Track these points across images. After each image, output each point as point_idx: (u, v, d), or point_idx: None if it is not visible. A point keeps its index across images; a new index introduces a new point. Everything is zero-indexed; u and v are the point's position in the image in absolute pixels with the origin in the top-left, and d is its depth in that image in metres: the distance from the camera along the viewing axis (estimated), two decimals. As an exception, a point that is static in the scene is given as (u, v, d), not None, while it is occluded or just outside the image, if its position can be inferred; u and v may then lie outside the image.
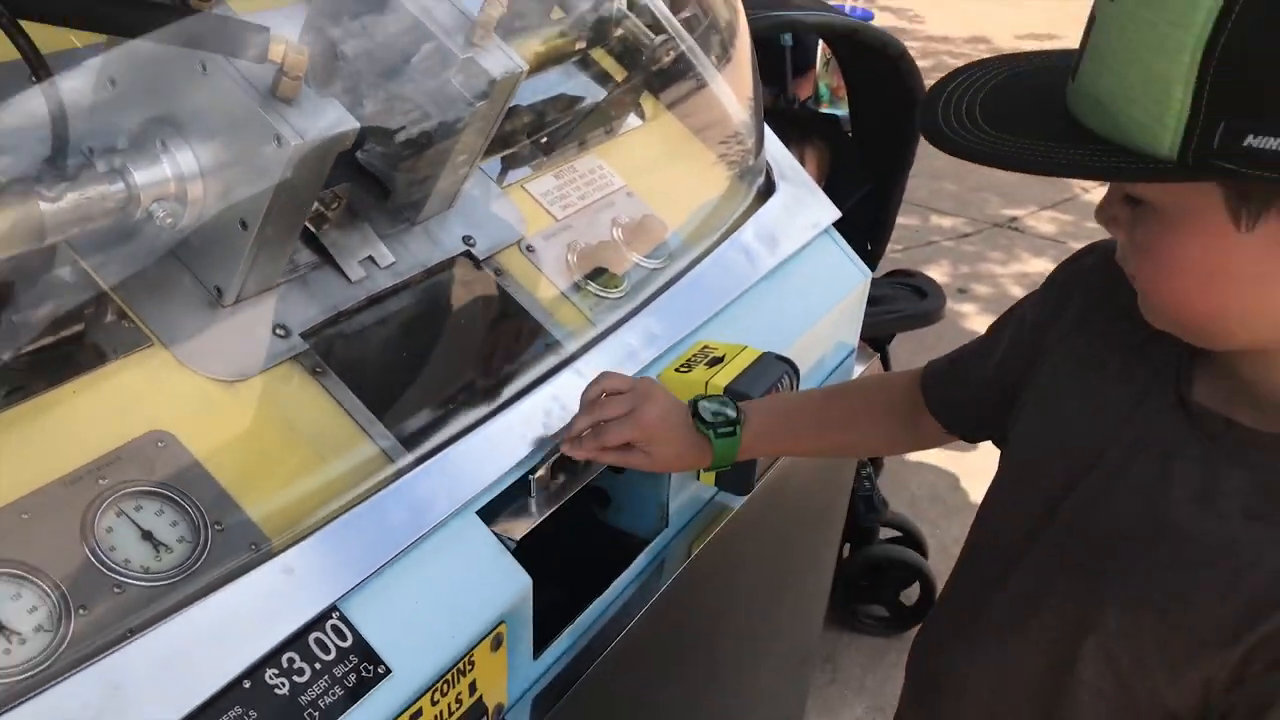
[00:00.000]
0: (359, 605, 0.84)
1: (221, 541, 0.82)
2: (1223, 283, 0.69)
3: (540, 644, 1.02)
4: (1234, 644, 0.72)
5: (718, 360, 1.19)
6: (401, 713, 0.84)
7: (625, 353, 1.17)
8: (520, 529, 0.99)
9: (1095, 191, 4.81)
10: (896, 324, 2.44)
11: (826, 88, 3.27)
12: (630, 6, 1.35)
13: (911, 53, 2.23)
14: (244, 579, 0.81)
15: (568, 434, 1.05)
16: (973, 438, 1.05)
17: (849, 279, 1.53)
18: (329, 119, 0.86)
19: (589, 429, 1.05)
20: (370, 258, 1.05)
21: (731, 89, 1.48)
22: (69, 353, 0.85)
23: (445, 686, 0.88)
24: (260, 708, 0.76)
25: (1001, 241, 4.68)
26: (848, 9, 3.07)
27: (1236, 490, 0.74)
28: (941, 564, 2.51)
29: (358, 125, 0.88)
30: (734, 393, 1.13)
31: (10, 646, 0.71)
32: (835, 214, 1.53)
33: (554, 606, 1.04)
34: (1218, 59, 0.59)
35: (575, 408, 1.07)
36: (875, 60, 2.23)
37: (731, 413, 1.08)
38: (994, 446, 0.99)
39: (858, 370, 1.61)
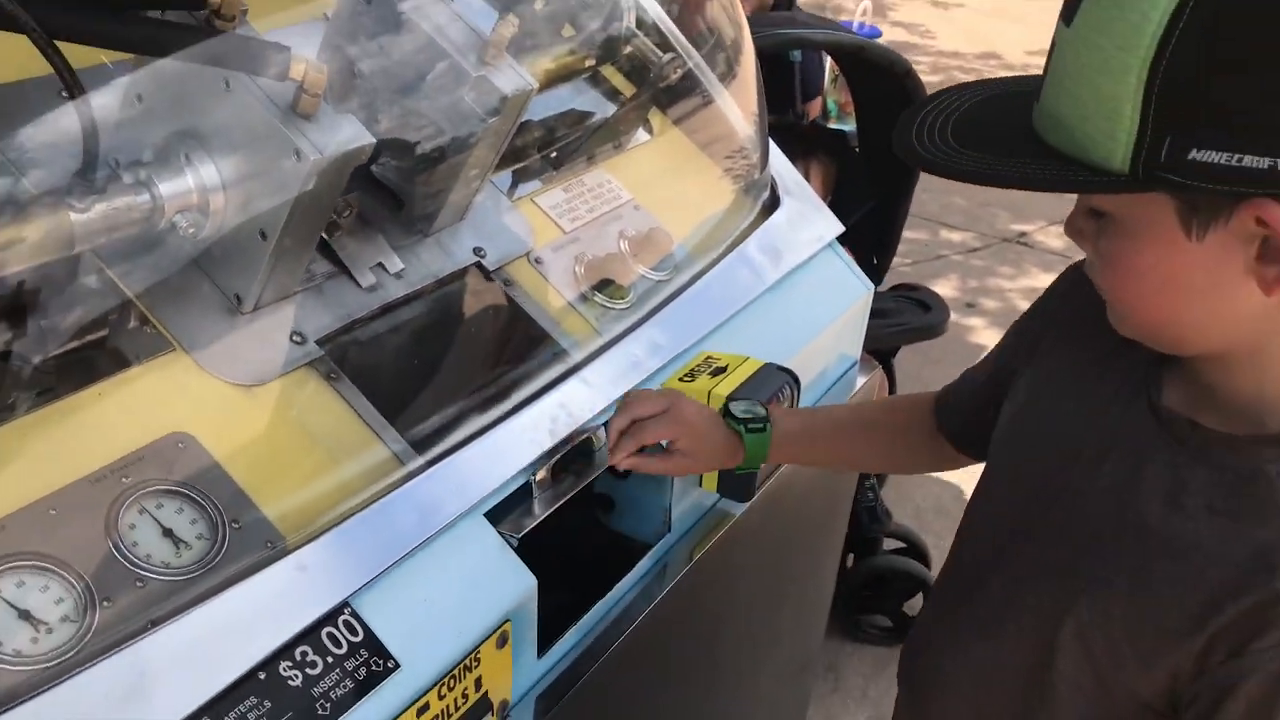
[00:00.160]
0: (370, 602, 0.87)
1: (238, 539, 0.85)
2: (1174, 290, 0.73)
3: (544, 644, 1.04)
4: (1197, 634, 0.75)
5: (721, 370, 1.21)
6: (409, 706, 0.86)
7: (630, 362, 1.20)
8: (526, 530, 1.01)
9: (1104, 207, 4.79)
10: (900, 337, 2.46)
11: (834, 103, 3.30)
12: (639, 25, 1.38)
13: (922, 68, 2.27)
14: (259, 575, 0.83)
15: (609, 436, 1.09)
16: (980, 455, 1.05)
17: (852, 292, 1.56)
18: (346, 134, 0.89)
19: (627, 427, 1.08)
20: (380, 264, 1.08)
21: (737, 105, 1.51)
22: (95, 357, 0.89)
23: (452, 682, 0.90)
24: (275, 698, 0.79)
25: (1010, 256, 4.69)
26: (855, 26, 3.10)
27: (1201, 488, 0.77)
28: (945, 575, 2.51)
29: (374, 140, 0.91)
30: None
31: (38, 635, 0.74)
32: (839, 228, 1.56)
33: (559, 608, 1.07)
34: (1161, 80, 0.64)
35: (581, 416, 1.10)
36: (882, 77, 2.25)
37: (761, 411, 1.12)
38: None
39: (860, 381, 1.63)
